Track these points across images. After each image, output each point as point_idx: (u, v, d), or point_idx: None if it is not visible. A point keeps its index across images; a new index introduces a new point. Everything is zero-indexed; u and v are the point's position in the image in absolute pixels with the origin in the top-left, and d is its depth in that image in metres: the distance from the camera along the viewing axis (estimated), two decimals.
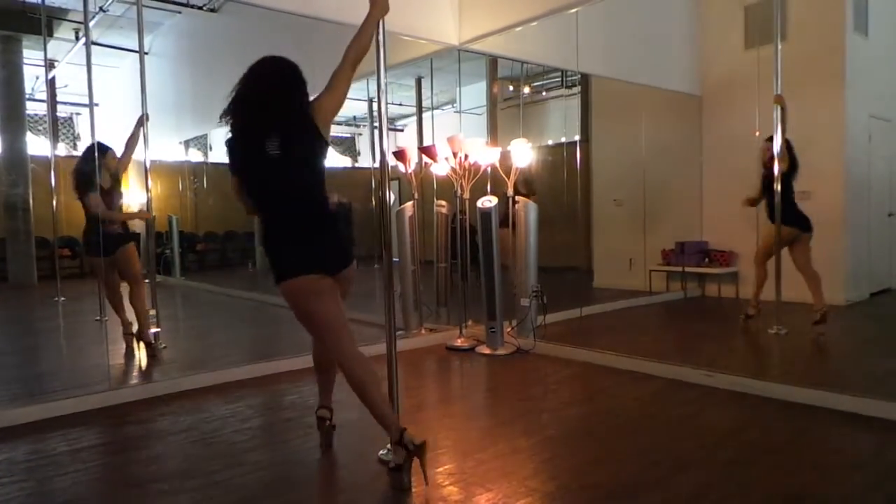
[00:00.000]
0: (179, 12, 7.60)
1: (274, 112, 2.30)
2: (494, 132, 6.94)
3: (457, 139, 4.77)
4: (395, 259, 4.32)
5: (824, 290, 4.66)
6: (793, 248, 4.65)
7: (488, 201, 4.60)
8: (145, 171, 4.54)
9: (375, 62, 2.63)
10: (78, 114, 8.39)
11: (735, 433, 2.94)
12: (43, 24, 6.14)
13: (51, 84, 7.00)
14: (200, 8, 7.43)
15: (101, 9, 6.66)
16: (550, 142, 9.28)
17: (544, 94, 9.37)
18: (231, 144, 2.39)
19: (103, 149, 4.49)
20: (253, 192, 2.39)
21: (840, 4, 5.50)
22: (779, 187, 4.28)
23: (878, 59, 5.93)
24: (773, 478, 2.37)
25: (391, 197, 2.66)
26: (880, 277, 5.89)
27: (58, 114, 8.03)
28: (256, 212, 2.42)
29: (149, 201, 4.59)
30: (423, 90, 9.02)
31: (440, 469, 2.50)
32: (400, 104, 10.11)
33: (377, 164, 2.74)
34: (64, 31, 7.14)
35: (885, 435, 2.81)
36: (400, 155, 5.11)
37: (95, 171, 4.32)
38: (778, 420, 3.07)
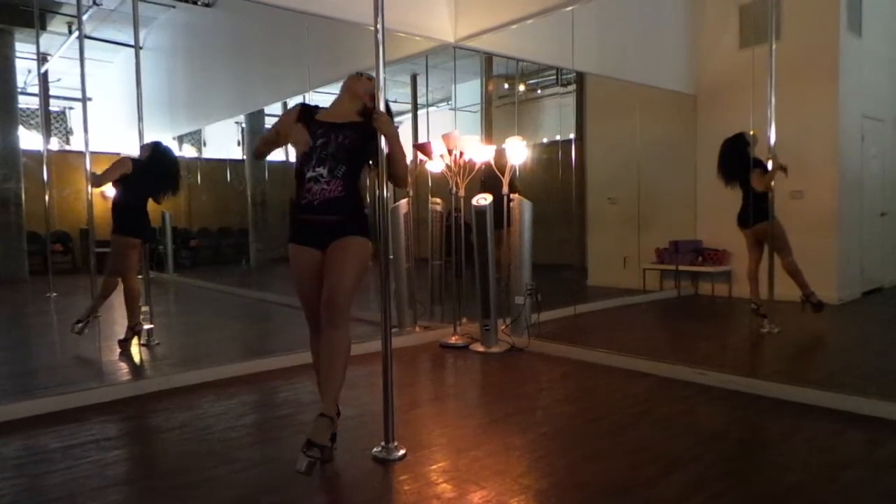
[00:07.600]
0: (174, 6, 7.55)
1: None
2: (489, 130, 6.94)
3: (452, 136, 4.77)
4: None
5: (820, 289, 4.71)
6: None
7: (483, 199, 4.60)
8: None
9: (374, 61, 2.63)
10: (71, 108, 8.36)
11: (727, 431, 2.95)
12: (36, 18, 6.09)
13: (43, 78, 6.95)
14: (195, 2, 7.39)
15: (94, 2, 6.61)
16: (545, 140, 9.28)
17: (539, 91, 9.37)
18: None
19: None
20: None
21: (834, 4, 5.52)
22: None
23: (872, 58, 5.96)
24: (765, 476, 2.38)
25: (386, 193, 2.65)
26: (872, 276, 5.93)
27: (50, 108, 7.98)
28: None
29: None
30: (418, 87, 9.01)
31: (434, 466, 2.50)
32: (395, 101, 10.09)
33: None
34: (57, 24, 7.09)
35: (876, 433, 2.83)
36: None
37: None
38: (770, 418, 3.08)
